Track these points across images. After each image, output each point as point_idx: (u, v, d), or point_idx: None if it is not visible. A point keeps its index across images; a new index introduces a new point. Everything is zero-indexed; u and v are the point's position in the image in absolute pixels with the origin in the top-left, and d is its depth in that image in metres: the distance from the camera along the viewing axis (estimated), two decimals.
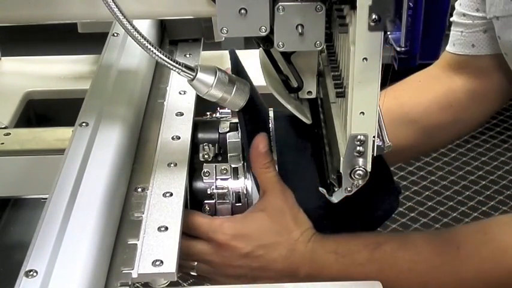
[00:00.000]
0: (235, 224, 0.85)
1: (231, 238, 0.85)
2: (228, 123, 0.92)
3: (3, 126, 1.11)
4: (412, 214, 2.28)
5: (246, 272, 0.86)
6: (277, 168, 0.88)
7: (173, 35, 1.13)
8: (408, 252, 0.87)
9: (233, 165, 0.87)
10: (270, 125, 0.92)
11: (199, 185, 0.87)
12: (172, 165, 0.85)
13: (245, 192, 0.87)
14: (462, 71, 1.12)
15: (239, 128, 0.90)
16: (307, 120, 0.89)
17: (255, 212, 0.86)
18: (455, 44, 1.10)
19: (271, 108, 0.95)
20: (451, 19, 1.10)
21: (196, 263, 0.87)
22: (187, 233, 0.85)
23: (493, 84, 1.12)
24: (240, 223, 0.86)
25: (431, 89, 1.14)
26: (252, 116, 0.87)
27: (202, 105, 0.95)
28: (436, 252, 0.87)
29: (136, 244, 0.75)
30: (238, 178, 0.87)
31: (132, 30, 0.72)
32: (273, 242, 0.86)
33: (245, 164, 0.88)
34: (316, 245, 0.86)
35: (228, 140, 0.90)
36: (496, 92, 1.13)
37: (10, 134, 1.09)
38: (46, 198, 0.76)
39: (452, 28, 1.11)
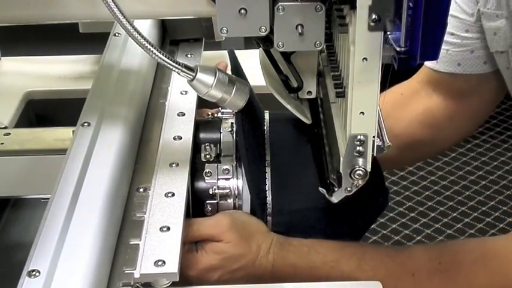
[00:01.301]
0: (197, 260, 0.86)
1: (200, 273, 0.86)
2: (229, 123, 0.92)
3: (3, 126, 1.11)
4: (412, 214, 2.28)
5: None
6: (269, 170, 0.88)
7: (174, 35, 1.13)
8: (364, 274, 0.86)
9: (226, 166, 0.87)
10: (265, 127, 0.92)
11: (201, 185, 0.87)
12: (174, 165, 0.85)
13: (236, 192, 0.87)
14: (441, 89, 1.13)
15: (235, 128, 0.90)
16: (307, 120, 0.89)
17: (213, 245, 0.86)
18: (439, 61, 1.10)
19: (267, 111, 0.95)
20: None
21: None
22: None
23: (470, 106, 1.13)
24: (202, 258, 0.86)
25: (412, 104, 1.15)
26: (250, 116, 0.87)
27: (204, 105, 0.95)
28: (391, 276, 0.87)
29: (138, 244, 0.75)
30: (238, 178, 0.88)
31: (131, 30, 0.72)
32: (235, 267, 0.86)
33: (237, 164, 0.88)
34: (276, 257, 0.87)
35: (222, 141, 0.91)
36: (473, 113, 1.14)
37: (10, 134, 1.09)
38: (46, 198, 0.76)
39: None
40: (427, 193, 2.36)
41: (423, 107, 1.14)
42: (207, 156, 0.89)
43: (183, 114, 0.94)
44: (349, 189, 0.78)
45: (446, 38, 1.07)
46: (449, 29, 1.07)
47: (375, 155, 0.76)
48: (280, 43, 0.75)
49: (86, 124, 0.85)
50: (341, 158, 0.76)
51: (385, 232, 2.20)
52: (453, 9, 1.06)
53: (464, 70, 1.09)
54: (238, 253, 0.86)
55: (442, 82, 1.12)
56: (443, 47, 1.07)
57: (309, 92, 0.89)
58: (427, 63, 1.13)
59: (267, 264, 0.87)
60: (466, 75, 1.09)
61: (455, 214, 2.28)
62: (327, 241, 0.89)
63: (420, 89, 1.15)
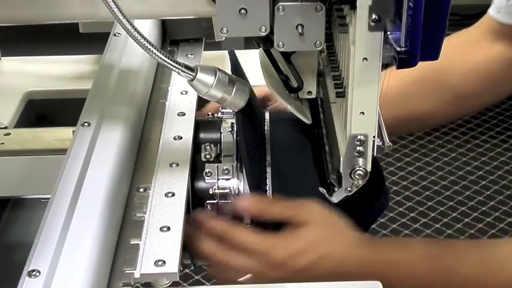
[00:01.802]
0: (288, 242, 0.84)
1: (288, 257, 0.83)
2: (230, 123, 0.92)
3: (3, 126, 1.11)
4: (412, 214, 2.28)
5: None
6: (269, 170, 0.88)
7: (174, 35, 1.13)
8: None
9: (226, 166, 0.87)
10: (265, 127, 0.92)
11: (201, 185, 0.87)
12: (174, 165, 0.85)
13: (236, 192, 0.87)
14: (504, 38, 1.10)
15: (236, 128, 0.90)
16: (307, 120, 0.89)
17: (301, 227, 0.85)
18: (501, 11, 1.07)
19: (267, 110, 0.95)
20: None
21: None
22: (228, 242, 0.85)
23: None
24: (294, 239, 0.84)
25: (470, 53, 1.12)
26: (250, 116, 0.87)
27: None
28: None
29: (138, 244, 0.75)
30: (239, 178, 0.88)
31: (131, 30, 0.72)
32: (327, 251, 0.84)
33: (237, 164, 0.88)
34: (369, 251, 0.85)
35: (222, 141, 0.91)
36: None
37: (10, 134, 1.09)
38: (46, 198, 0.76)
39: None
40: (427, 193, 2.36)
41: (483, 56, 1.11)
42: (207, 156, 0.89)
43: (183, 114, 0.94)
44: (349, 189, 0.78)
45: None
46: None
47: (375, 155, 0.76)
48: (280, 43, 0.75)
49: (86, 124, 0.85)
50: (341, 158, 0.77)
51: (385, 232, 2.20)
52: None
53: None
54: (328, 237, 0.84)
55: (504, 32, 1.09)
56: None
57: (309, 92, 0.89)
58: (491, 12, 1.10)
59: (357, 257, 0.85)
60: None
61: (455, 214, 2.28)
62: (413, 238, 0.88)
63: (481, 37, 1.12)
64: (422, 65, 0.66)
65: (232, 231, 0.85)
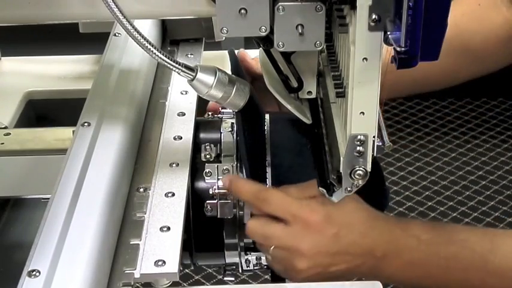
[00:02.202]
0: (323, 205, 0.83)
1: (323, 219, 0.82)
2: (230, 123, 0.92)
3: (3, 126, 1.11)
4: (412, 214, 2.28)
5: (321, 262, 0.83)
6: (270, 170, 0.88)
7: (174, 35, 1.13)
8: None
9: (226, 166, 0.87)
10: (265, 127, 0.92)
11: (201, 185, 0.87)
12: (174, 165, 0.85)
13: None
14: None
15: (235, 128, 0.90)
16: (307, 120, 0.89)
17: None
18: None
19: (268, 112, 0.95)
20: None
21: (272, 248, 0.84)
22: (258, 211, 0.84)
23: None
24: (327, 204, 0.83)
25: (490, 17, 1.11)
26: (250, 116, 0.87)
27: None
28: None
29: (138, 244, 0.75)
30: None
31: (132, 30, 0.72)
32: (353, 220, 0.83)
33: (237, 164, 0.88)
34: (396, 227, 0.84)
35: (222, 141, 0.91)
36: None
37: (10, 134, 1.09)
38: (46, 198, 0.76)
39: None
40: (427, 193, 2.36)
41: (501, 21, 1.11)
42: (207, 156, 0.89)
43: (183, 114, 0.94)
44: (349, 189, 0.78)
45: None
46: None
47: (375, 155, 0.76)
48: (280, 43, 0.75)
49: (86, 124, 0.85)
50: (341, 158, 0.77)
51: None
52: None
53: None
54: (359, 208, 0.84)
55: None
56: None
57: (309, 92, 0.89)
58: None
59: (383, 230, 0.84)
60: None
61: (455, 214, 2.28)
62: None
63: (498, 1, 1.11)
64: None
65: (263, 194, 0.83)
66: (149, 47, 0.73)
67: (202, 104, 0.97)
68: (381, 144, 0.77)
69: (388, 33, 0.66)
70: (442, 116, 2.73)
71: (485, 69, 1.17)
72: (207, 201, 0.87)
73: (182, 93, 0.99)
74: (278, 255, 0.85)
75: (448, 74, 1.09)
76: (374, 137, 0.75)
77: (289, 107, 0.87)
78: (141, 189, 0.83)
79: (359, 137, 0.74)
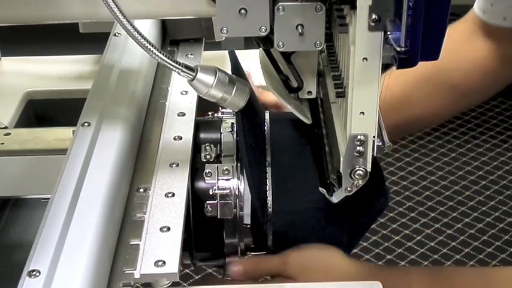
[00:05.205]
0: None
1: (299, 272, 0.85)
2: (230, 123, 0.92)
3: (3, 126, 1.11)
4: (412, 214, 2.28)
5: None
6: (270, 170, 0.88)
7: (174, 35, 1.13)
8: None
9: (227, 167, 0.87)
10: (265, 127, 0.92)
11: (201, 185, 0.87)
12: (174, 165, 0.85)
13: (236, 193, 0.87)
14: (494, 36, 1.10)
15: (236, 128, 0.90)
16: (307, 120, 0.89)
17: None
18: (486, 12, 1.07)
19: (267, 110, 0.95)
20: None
21: None
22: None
23: None
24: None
25: (467, 52, 1.12)
26: (250, 116, 0.87)
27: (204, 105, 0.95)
28: None
29: (138, 244, 0.75)
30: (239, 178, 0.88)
31: (132, 30, 0.72)
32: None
33: (237, 164, 0.88)
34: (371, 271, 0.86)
35: (222, 141, 0.90)
36: None
37: (10, 134, 1.08)
38: (46, 198, 0.76)
39: None
40: (427, 193, 2.36)
41: (480, 53, 1.11)
42: (207, 157, 0.89)
43: (183, 114, 0.94)
44: (349, 189, 0.78)
45: None
46: None
47: (375, 155, 0.76)
48: (280, 43, 0.75)
49: (86, 124, 0.85)
50: (341, 158, 0.77)
51: (385, 232, 2.20)
52: None
53: (511, 24, 1.06)
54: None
55: (493, 31, 1.09)
56: (489, 1, 1.04)
57: (309, 92, 0.89)
58: (476, 10, 1.10)
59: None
60: None
61: (455, 214, 2.28)
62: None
63: (473, 35, 1.12)
64: (421, 65, 0.66)
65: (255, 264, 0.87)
66: (149, 47, 0.73)
67: (202, 104, 0.97)
68: (380, 144, 0.77)
69: (388, 33, 0.66)
70: None
71: (476, 100, 1.18)
72: (207, 202, 0.87)
73: (182, 93, 0.99)
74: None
75: (439, 112, 1.08)
76: (374, 137, 0.75)
77: (289, 107, 0.87)
78: (141, 190, 0.83)
79: (359, 137, 0.74)
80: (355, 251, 2.05)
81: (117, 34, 1.05)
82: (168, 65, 0.76)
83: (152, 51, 0.74)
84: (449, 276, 0.88)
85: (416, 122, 1.13)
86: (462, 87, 1.11)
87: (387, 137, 0.78)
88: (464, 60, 1.11)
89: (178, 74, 0.78)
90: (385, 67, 0.71)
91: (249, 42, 0.85)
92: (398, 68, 0.66)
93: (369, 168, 0.76)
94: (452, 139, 2.61)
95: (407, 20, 0.63)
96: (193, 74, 0.78)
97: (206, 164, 0.87)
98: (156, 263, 0.72)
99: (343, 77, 0.79)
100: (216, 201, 0.86)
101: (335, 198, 0.81)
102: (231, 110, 0.91)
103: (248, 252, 0.91)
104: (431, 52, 0.66)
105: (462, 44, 1.12)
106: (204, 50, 1.13)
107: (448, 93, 1.07)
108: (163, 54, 0.75)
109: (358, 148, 0.75)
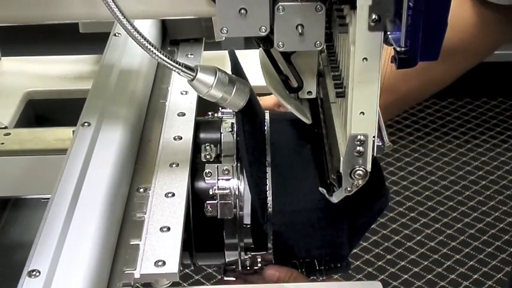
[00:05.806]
0: None
1: None
2: (230, 123, 0.92)
3: (3, 126, 1.11)
4: (412, 214, 2.28)
5: None
6: (270, 170, 0.88)
7: (174, 35, 1.13)
8: None
9: (227, 167, 0.87)
10: (265, 127, 0.92)
11: (201, 185, 0.87)
12: (174, 165, 0.85)
13: (236, 193, 0.87)
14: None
15: (236, 128, 0.90)
16: (307, 120, 0.89)
17: None
18: None
19: (267, 111, 0.95)
20: None
21: None
22: None
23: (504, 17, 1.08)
24: None
25: (457, 14, 1.09)
26: (250, 116, 0.87)
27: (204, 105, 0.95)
28: None
29: (138, 244, 0.75)
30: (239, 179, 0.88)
31: (132, 30, 0.72)
32: None
33: (237, 164, 0.88)
34: None
35: (222, 141, 0.90)
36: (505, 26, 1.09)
37: (10, 134, 1.09)
38: (46, 198, 0.76)
39: None
40: (427, 193, 2.36)
41: (469, 16, 1.09)
42: (207, 157, 0.89)
43: (183, 114, 0.94)
44: (349, 189, 0.78)
45: None
46: None
47: (375, 155, 0.76)
48: (280, 43, 0.75)
49: (86, 124, 0.85)
50: (341, 158, 0.77)
51: (385, 232, 2.21)
52: None
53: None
54: None
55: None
56: None
57: (309, 92, 0.89)
58: None
59: None
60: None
61: (455, 214, 2.28)
62: None
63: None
64: None
65: None
66: (149, 47, 0.73)
67: (202, 104, 0.97)
68: (380, 144, 0.77)
69: (388, 33, 0.66)
70: (442, 116, 2.73)
71: (462, 66, 1.17)
72: (207, 202, 0.87)
73: (182, 93, 0.99)
74: None
75: (439, 80, 1.08)
76: (374, 137, 0.75)
77: (289, 107, 0.87)
78: (141, 190, 0.83)
79: (359, 137, 0.74)
80: (355, 251, 2.06)
81: (117, 34, 1.05)
82: (168, 65, 0.76)
83: (152, 51, 0.74)
84: None
85: (416, 93, 1.12)
86: (457, 48, 1.10)
87: (387, 136, 0.78)
88: (454, 21, 1.10)
89: (178, 74, 0.78)
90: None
91: (249, 42, 0.85)
92: (398, 68, 0.66)
93: (368, 168, 0.76)
94: (452, 139, 2.61)
95: (407, 20, 0.63)
96: (193, 74, 0.78)
97: (206, 164, 0.87)
98: (156, 263, 0.72)
99: (343, 77, 0.79)
100: (216, 201, 0.86)
101: (335, 198, 0.81)
102: (231, 110, 0.91)
103: (248, 252, 0.91)
104: (431, 52, 0.66)
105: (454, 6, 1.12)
106: (204, 50, 1.13)
107: (444, 57, 1.08)
108: (163, 54, 0.75)
109: (358, 148, 0.75)
